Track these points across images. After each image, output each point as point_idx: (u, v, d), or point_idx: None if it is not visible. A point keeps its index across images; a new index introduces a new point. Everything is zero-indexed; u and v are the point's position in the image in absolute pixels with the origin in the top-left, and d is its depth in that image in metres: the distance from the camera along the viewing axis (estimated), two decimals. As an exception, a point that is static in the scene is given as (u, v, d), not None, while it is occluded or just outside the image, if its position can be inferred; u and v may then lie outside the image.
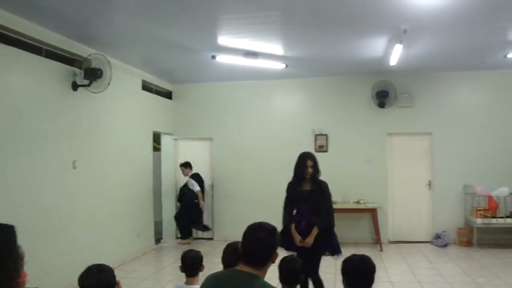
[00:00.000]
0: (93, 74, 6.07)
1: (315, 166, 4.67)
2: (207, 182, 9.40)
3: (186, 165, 9.14)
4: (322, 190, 4.69)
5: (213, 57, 7.09)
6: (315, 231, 4.53)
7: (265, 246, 2.22)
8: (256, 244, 2.21)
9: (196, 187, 8.91)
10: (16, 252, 3.22)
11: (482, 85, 8.74)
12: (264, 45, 6.74)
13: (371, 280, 2.68)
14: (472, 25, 5.89)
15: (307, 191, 4.67)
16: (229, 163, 9.33)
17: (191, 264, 3.28)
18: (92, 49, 6.40)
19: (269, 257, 2.23)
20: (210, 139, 9.50)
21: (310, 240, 4.53)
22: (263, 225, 2.30)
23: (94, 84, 6.14)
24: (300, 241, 4.54)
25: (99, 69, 6.11)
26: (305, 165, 4.62)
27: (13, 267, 3.08)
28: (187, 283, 3.23)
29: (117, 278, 2.77)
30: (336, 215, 8.68)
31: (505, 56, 7.35)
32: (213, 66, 7.83)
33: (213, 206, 9.41)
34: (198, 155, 9.59)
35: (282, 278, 2.91)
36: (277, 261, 2.51)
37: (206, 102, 9.50)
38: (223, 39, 6.41)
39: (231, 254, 2.91)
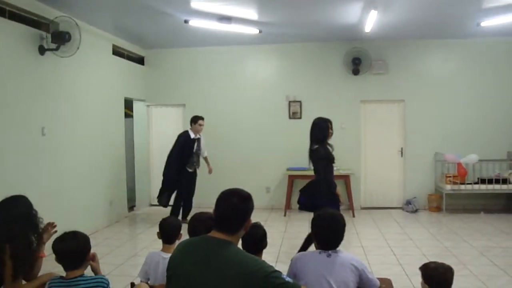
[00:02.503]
0: (61, 38, 5.85)
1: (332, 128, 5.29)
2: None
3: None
4: None
5: (186, 21, 6.92)
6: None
7: (238, 211, 2.20)
8: (228, 209, 2.19)
9: (205, 152, 8.15)
10: (36, 222, 3.24)
11: (455, 54, 8.80)
12: (238, 9, 6.60)
13: (339, 237, 2.73)
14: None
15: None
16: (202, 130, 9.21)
17: (169, 231, 3.23)
18: (60, 11, 6.14)
19: (242, 223, 2.21)
20: (183, 105, 9.36)
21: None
22: (237, 191, 2.27)
23: (62, 48, 5.93)
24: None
25: (67, 33, 5.88)
26: (328, 128, 5.21)
27: (34, 237, 3.12)
28: (163, 250, 3.18)
29: (92, 250, 2.76)
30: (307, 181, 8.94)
31: (478, 25, 7.37)
32: (186, 31, 7.66)
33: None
34: (171, 121, 9.49)
35: (245, 246, 2.81)
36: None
37: (179, 68, 9.33)
38: (196, 3, 6.25)
39: (196, 225, 2.89)
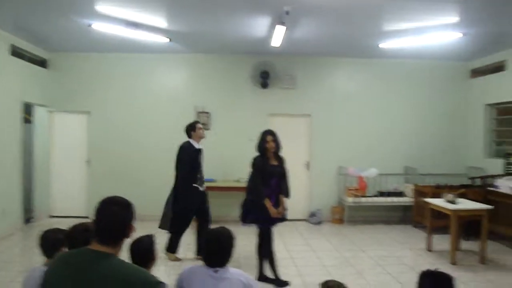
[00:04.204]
0: None
1: (276, 141, 5.20)
2: (83, 159, 8.91)
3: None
4: (284, 163, 5.31)
5: (90, 24, 6.64)
6: (284, 201, 5.26)
7: (119, 221, 2.07)
8: (108, 219, 2.06)
9: None
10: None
11: (359, 72, 9.24)
12: (146, 16, 6.45)
13: (227, 255, 2.69)
14: (350, 13, 6.14)
15: (275, 166, 5.20)
16: (108, 139, 8.88)
17: (48, 245, 3.02)
18: None
19: (124, 233, 2.09)
20: (88, 112, 8.95)
21: (283, 209, 5.23)
22: (116, 199, 2.15)
23: None
24: (278, 212, 5.13)
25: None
26: (266, 140, 5.15)
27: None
28: (45, 264, 2.96)
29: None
30: (216, 193, 8.84)
31: (378, 46, 7.79)
32: (92, 35, 7.34)
33: (89, 185, 8.91)
34: (74, 129, 9.02)
35: (134, 260, 2.66)
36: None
37: (85, 73, 8.92)
38: (102, 6, 6.01)
39: (73, 237, 2.70)
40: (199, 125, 6.41)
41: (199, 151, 6.33)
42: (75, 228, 2.78)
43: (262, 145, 5.21)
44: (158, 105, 8.94)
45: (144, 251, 2.70)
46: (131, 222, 2.13)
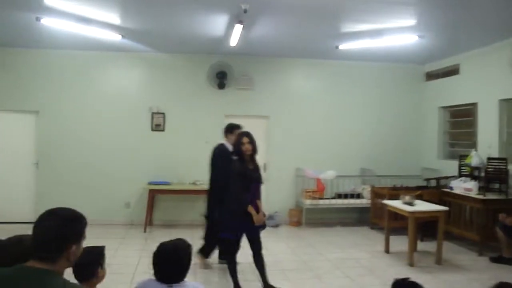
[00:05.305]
0: None
1: (252, 143, 4.86)
2: (30, 161, 8.45)
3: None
4: (259, 167, 5.03)
5: (38, 19, 6.27)
6: (261, 207, 4.96)
7: (55, 235, 1.81)
8: (44, 233, 1.81)
9: None
10: None
11: (317, 73, 9.21)
12: (98, 12, 6.14)
13: (183, 270, 2.50)
14: (308, 14, 6.06)
15: (253, 170, 4.90)
16: (58, 140, 8.43)
17: None
18: None
19: (62, 250, 1.82)
20: (37, 112, 8.48)
21: (262, 216, 4.92)
22: (57, 211, 1.90)
23: None
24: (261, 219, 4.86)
25: None
26: (242, 142, 4.82)
27: None
28: None
29: None
30: (171, 196, 8.60)
31: (337, 47, 7.77)
32: (41, 30, 6.93)
33: (38, 189, 8.44)
34: (21, 129, 8.54)
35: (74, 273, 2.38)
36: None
37: (33, 70, 8.41)
38: (52, 0, 5.66)
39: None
40: (238, 131, 5.70)
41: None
42: (9, 239, 2.46)
43: (238, 148, 4.89)
44: (111, 105, 8.59)
45: (86, 265, 2.39)
46: (71, 240, 1.86)
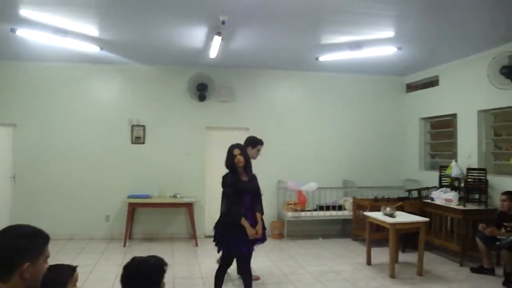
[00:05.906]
0: None
1: (244, 154, 4.78)
2: (7, 174, 8.26)
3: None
4: (255, 179, 4.91)
5: (13, 30, 6.16)
6: (261, 219, 4.79)
7: (4, 251, 1.73)
8: None
9: None
10: None
11: (298, 85, 9.21)
12: (76, 23, 6.06)
13: (149, 283, 2.37)
14: (287, 26, 6.07)
15: (247, 182, 4.77)
16: (36, 153, 8.26)
17: None
18: None
19: (12, 268, 1.73)
20: (14, 125, 8.31)
21: (260, 228, 4.73)
22: (13, 227, 1.83)
23: None
24: (256, 232, 4.65)
25: None
26: (233, 155, 4.72)
27: None
28: None
29: None
30: (151, 210, 8.47)
31: (317, 59, 7.78)
32: (17, 41, 6.81)
33: (14, 203, 8.24)
34: (-3, 143, 8.37)
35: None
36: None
37: (10, 83, 8.26)
38: (26, 11, 5.55)
39: None
40: (260, 147, 5.97)
41: None
42: None
43: (230, 161, 4.77)
44: (90, 118, 8.46)
45: (53, 284, 2.17)
46: (23, 256, 1.76)
